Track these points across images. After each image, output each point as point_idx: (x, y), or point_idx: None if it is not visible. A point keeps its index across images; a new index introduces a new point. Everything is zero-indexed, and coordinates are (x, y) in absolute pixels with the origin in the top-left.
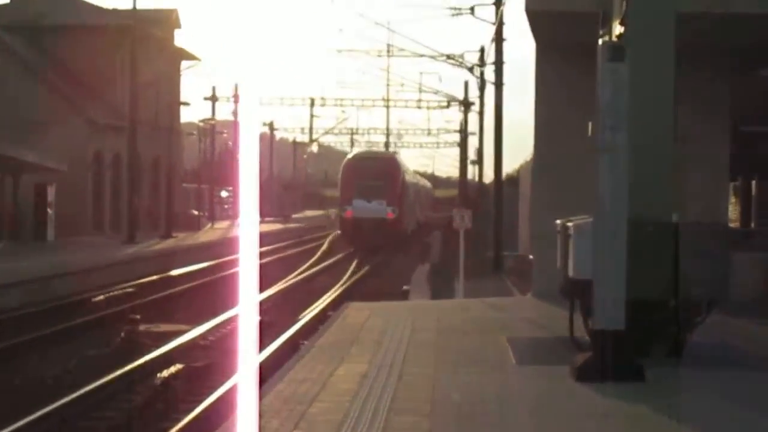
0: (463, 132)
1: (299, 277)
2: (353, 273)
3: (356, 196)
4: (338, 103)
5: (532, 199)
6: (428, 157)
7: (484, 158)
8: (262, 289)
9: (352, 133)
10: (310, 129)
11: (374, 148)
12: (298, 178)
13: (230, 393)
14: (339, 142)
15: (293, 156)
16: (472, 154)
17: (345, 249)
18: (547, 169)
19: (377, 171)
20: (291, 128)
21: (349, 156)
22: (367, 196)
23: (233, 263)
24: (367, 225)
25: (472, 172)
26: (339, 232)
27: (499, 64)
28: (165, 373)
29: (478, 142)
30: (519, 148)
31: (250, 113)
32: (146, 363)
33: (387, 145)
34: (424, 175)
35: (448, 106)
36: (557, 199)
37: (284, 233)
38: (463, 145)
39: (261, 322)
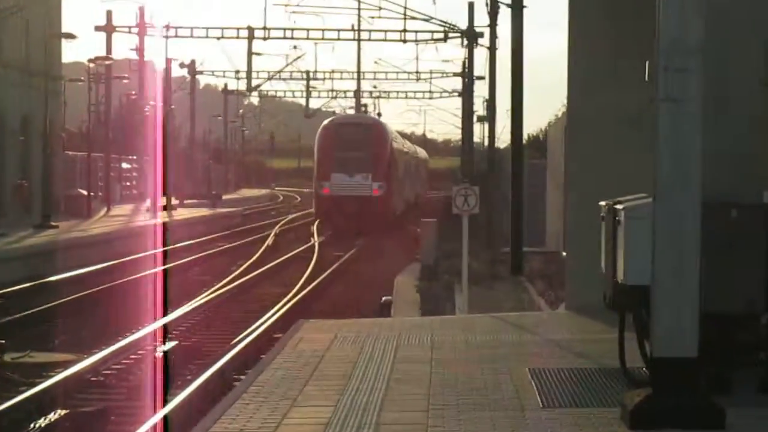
0: (467, 76)
1: (234, 284)
2: (312, 276)
3: (335, 169)
4: (288, 36)
5: (566, 171)
6: (417, 112)
7: (497, 114)
8: (179, 302)
9: (309, 78)
10: (248, 73)
11: (355, 113)
12: (233, 144)
13: None
14: (290, 92)
15: (224, 111)
16: (479, 108)
17: (302, 242)
18: (587, 129)
19: (360, 139)
20: (221, 71)
21: (327, 121)
22: (349, 169)
23: (137, 266)
24: (348, 204)
25: (479, 132)
26: (315, 212)
27: None
28: (42, 423)
29: (488, 90)
30: (546, 99)
31: (161, 50)
32: (14, 407)
33: (358, 95)
34: (412, 138)
35: (445, 40)
36: (601, 170)
37: (210, 222)
38: (466, 94)
39: (177, 349)
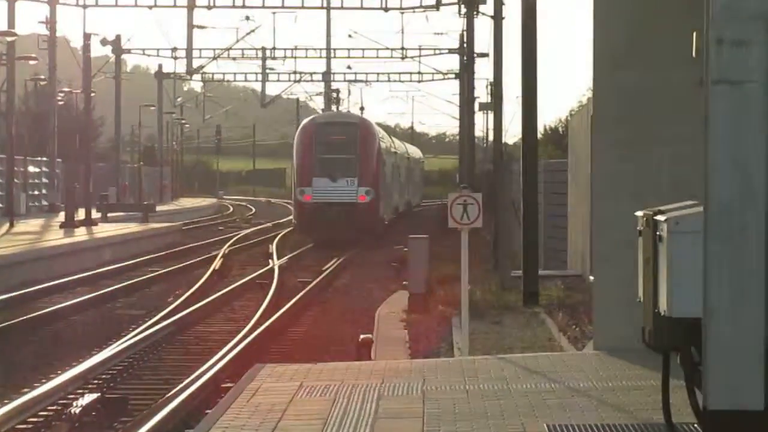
0: (466, 53)
1: (171, 319)
2: (271, 309)
3: (317, 173)
4: (238, 4)
5: (593, 172)
6: (403, 98)
7: (505, 100)
8: (101, 343)
9: (265, 58)
10: (188, 51)
11: (338, 111)
12: (169, 141)
13: None
14: (242, 75)
15: (159, 100)
16: (481, 94)
17: (258, 264)
18: (618, 120)
19: (344, 140)
20: (154, 50)
21: (307, 120)
22: (332, 173)
23: (46, 297)
24: (332, 212)
25: (482, 124)
26: (295, 222)
27: None
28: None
29: (492, 70)
30: (566, 83)
31: (77, 22)
32: None
33: (328, 78)
34: (396, 132)
35: (437, 7)
36: (638, 171)
37: (141, 241)
38: (465, 76)
39: (98, 403)
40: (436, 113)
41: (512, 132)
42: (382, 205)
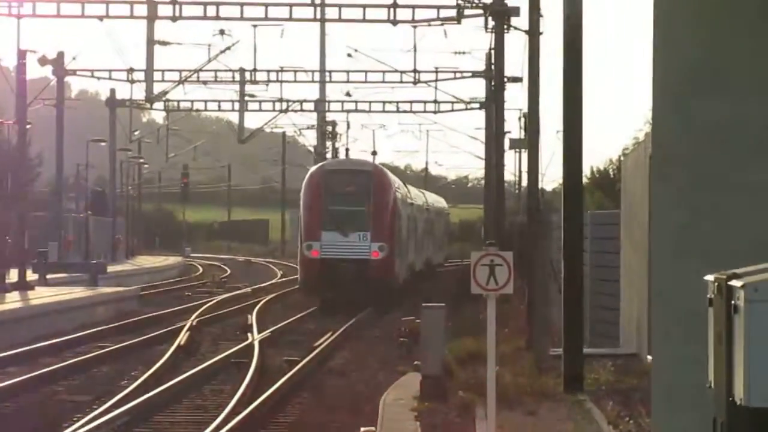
0: (495, 77)
1: (124, 407)
2: (251, 395)
3: (326, 226)
4: (211, 14)
5: (651, 226)
6: (415, 132)
7: (542, 135)
8: None
9: (244, 81)
10: (149, 72)
11: (352, 158)
12: (124, 185)
13: None
14: (215, 102)
15: (111, 133)
16: (513, 128)
17: (233, 339)
18: (684, 162)
19: (356, 190)
20: (106, 71)
21: (315, 168)
22: (343, 226)
23: None
24: (342, 270)
25: (513, 167)
26: (300, 280)
27: None
28: None
29: (527, 98)
30: (618, 115)
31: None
32: None
33: (322, 106)
34: (407, 174)
35: (458, 20)
36: (706, 226)
37: (88, 309)
38: (493, 105)
39: None
40: (456, 152)
41: (551, 175)
42: (397, 263)
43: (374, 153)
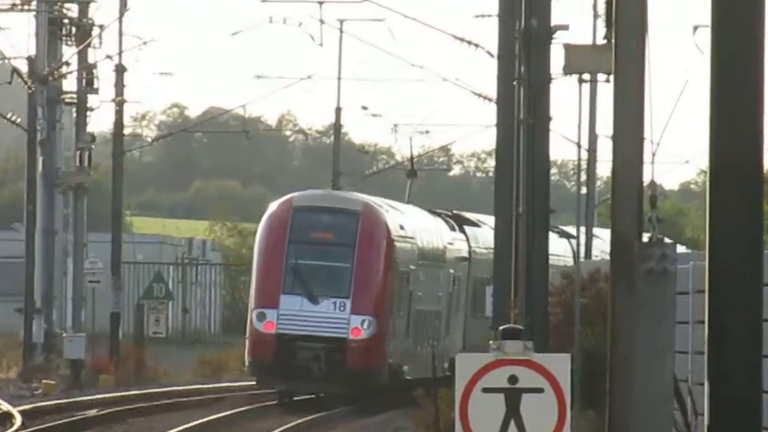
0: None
1: None
2: None
3: (288, 288)
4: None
5: None
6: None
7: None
8: None
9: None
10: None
11: (334, 192)
12: None
13: None
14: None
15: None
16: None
17: None
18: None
19: (337, 237)
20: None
21: (281, 202)
22: (312, 289)
23: None
24: (306, 352)
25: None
26: (248, 363)
27: None
28: None
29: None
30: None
31: None
32: None
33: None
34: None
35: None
36: None
37: None
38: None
39: None
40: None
41: (662, 158)
42: (390, 346)
43: (412, 161)
